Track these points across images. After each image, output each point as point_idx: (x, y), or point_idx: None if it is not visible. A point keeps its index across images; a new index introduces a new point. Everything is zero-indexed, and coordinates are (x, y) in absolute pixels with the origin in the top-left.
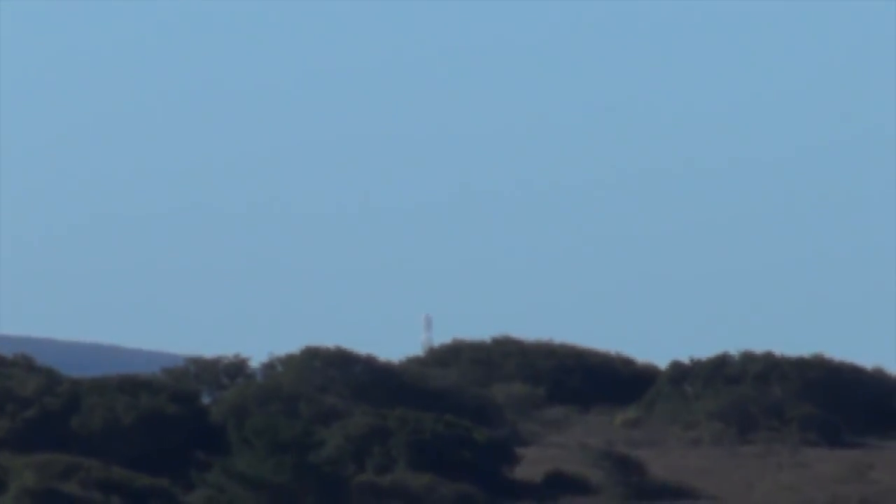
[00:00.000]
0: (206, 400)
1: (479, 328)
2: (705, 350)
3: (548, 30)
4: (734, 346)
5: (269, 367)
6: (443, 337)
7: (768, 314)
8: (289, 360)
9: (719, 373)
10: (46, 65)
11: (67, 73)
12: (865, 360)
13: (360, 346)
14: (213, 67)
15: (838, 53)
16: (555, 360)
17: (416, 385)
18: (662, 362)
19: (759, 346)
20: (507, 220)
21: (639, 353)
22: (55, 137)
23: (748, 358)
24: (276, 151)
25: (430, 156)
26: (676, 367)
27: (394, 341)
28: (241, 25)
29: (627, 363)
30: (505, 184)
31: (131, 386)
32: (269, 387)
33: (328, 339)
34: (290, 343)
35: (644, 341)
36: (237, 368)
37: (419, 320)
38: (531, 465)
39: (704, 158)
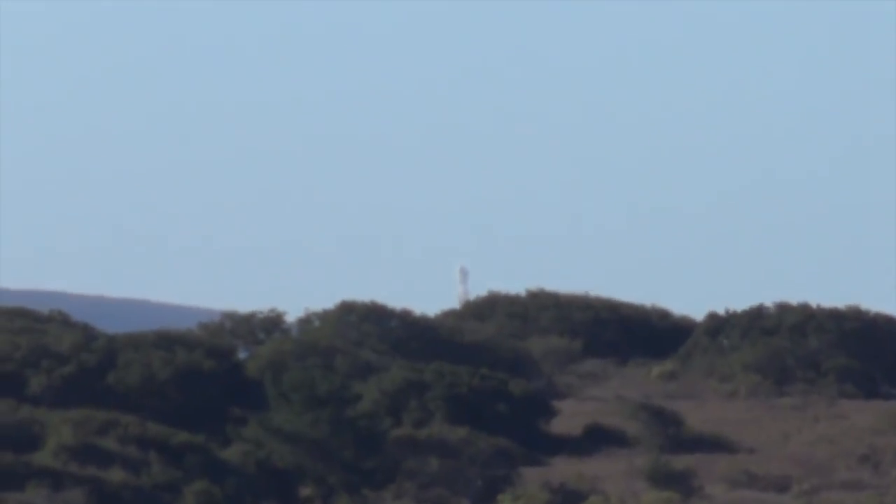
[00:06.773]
0: (241, 355)
1: (515, 281)
2: (741, 302)
3: None
4: (770, 297)
5: (305, 321)
6: (479, 290)
7: (804, 266)
8: (325, 315)
9: (755, 324)
10: None
11: None
12: None
13: (396, 300)
14: None
15: None
16: (591, 312)
17: (452, 339)
18: (698, 315)
19: (794, 298)
20: (546, 174)
21: (675, 306)
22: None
23: (784, 309)
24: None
25: (463, 103)
26: (712, 319)
27: (430, 294)
28: None
29: (664, 315)
30: (540, 136)
31: (167, 341)
32: (306, 341)
33: (364, 293)
34: (326, 298)
35: (680, 294)
36: (273, 323)
37: (455, 273)
38: (568, 419)
39: (744, 121)
